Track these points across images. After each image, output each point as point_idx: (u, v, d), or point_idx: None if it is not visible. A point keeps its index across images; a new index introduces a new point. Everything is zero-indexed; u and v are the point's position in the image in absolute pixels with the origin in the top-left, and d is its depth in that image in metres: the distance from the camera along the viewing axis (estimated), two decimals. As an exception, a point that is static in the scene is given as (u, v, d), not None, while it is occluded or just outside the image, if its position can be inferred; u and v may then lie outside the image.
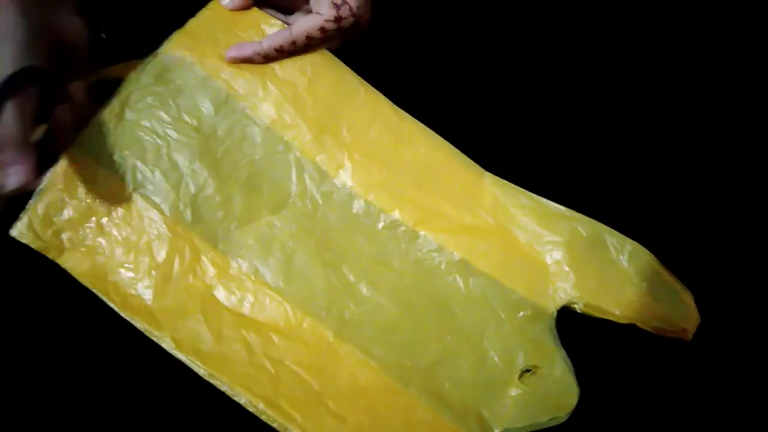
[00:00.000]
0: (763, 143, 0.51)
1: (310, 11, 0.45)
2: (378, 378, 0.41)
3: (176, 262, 0.42)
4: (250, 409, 0.39)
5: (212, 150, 0.44)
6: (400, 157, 0.44)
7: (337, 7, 0.43)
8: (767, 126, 0.52)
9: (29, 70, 0.37)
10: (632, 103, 0.52)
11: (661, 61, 0.54)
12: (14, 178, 0.37)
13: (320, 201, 0.44)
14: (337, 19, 0.43)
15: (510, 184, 0.44)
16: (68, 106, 0.42)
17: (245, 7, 0.45)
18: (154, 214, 0.42)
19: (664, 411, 0.44)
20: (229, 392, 0.39)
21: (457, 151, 0.44)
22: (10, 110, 0.36)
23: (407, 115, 0.45)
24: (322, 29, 0.43)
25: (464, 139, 0.45)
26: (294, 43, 0.44)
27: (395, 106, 0.45)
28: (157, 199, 0.42)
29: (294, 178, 0.44)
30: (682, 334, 0.42)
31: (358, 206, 0.43)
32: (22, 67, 0.37)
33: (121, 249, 0.42)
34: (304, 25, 0.43)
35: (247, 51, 0.44)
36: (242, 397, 0.39)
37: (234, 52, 0.44)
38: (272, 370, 0.40)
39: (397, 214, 0.43)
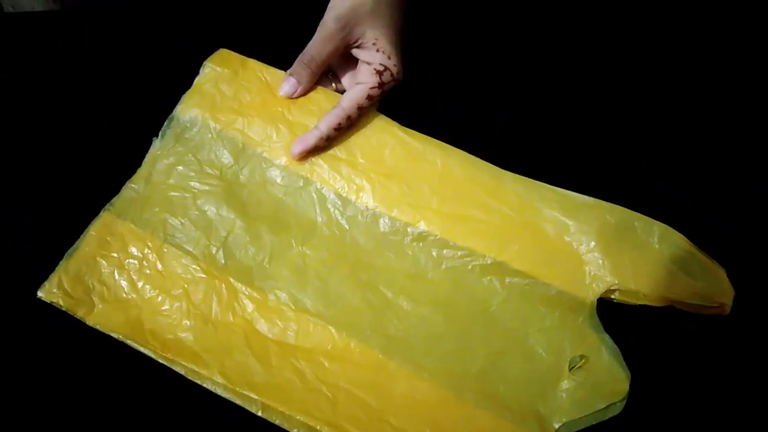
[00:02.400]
0: (762, 142, 0.52)
1: (334, 79, 0.48)
2: (433, 390, 0.40)
3: (214, 302, 0.42)
4: None
5: (236, 195, 0.45)
6: (417, 171, 0.45)
7: (379, 74, 0.45)
8: (765, 124, 0.53)
9: None
10: (630, 103, 0.54)
11: (659, 60, 0.55)
12: (287, 86, 0.46)
13: (346, 226, 0.44)
14: (381, 85, 0.45)
15: (530, 179, 0.44)
16: None
17: (303, 95, 0.47)
18: (187, 260, 0.43)
19: (711, 386, 0.44)
20: (285, 425, 0.38)
21: (472, 156, 0.45)
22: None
23: (416, 132, 0.46)
24: (369, 97, 0.45)
25: (471, 143, 0.46)
26: (349, 117, 0.45)
27: (403, 126, 0.46)
28: (188, 246, 0.43)
29: (318, 208, 0.45)
30: (719, 310, 0.42)
31: (383, 224, 0.44)
32: None
33: (156, 298, 0.42)
34: (353, 98, 0.45)
35: (311, 142, 0.45)
36: (302, 427, 0.38)
37: (300, 148, 0.45)
38: (329, 394, 0.39)
39: (423, 226, 0.44)
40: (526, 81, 0.54)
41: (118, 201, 0.45)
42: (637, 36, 0.56)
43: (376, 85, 0.45)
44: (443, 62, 0.49)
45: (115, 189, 0.46)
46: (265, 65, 0.48)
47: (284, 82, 0.46)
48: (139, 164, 0.46)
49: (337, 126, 0.45)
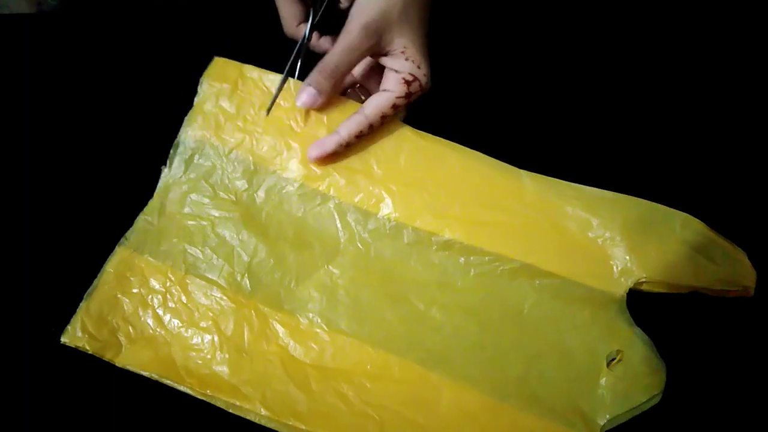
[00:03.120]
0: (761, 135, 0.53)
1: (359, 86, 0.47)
2: (476, 398, 0.40)
3: (246, 331, 0.41)
4: None
5: (255, 217, 0.44)
6: (435, 177, 0.45)
7: (408, 83, 0.43)
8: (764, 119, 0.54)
9: None
10: (642, 95, 0.53)
11: (672, 50, 0.55)
12: (307, 97, 0.44)
13: (370, 240, 0.44)
14: (408, 95, 0.44)
15: (548, 177, 0.44)
16: None
17: (323, 106, 0.45)
18: (212, 290, 0.42)
19: (745, 369, 0.45)
20: None
21: (488, 157, 0.45)
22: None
23: (430, 135, 0.45)
24: (395, 106, 0.44)
25: (485, 143, 0.45)
26: (371, 126, 0.44)
27: (417, 130, 0.45)
28: (212, 276, 0.42)
29: (339, 224, 0.44)
30: (744, 292, 0.43)
31: (407, 236, 0.44)
32: None
33: (185, 332, 0.41)
34: (377, 106, 0.43)
35: (329, 147, 0.44)
36: None
37: (317, 152, 0.44)
38: (375, 416, 0.39)
39: (447, 234, 0.44)
40: (536, 76, 0.54)
41: (133, 234, 0.43)
42: (653, 30, 0.56)
43: (404, 95, 0.43)
44: (450, 60, 0.48)
45: (124, 221, 0.44)
46: (265, 71, 0.46)
47: (302, 92, 0.44)
48: (148, 193, 0.45)
49: (359, 133, 0.44)
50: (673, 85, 0.54)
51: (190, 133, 0.45)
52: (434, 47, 0.45)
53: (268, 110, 0.45)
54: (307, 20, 0.47)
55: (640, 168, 0.50)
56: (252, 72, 0.46)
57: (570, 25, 0.56)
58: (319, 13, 0.46)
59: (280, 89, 0.45)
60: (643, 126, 0.52)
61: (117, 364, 0.40)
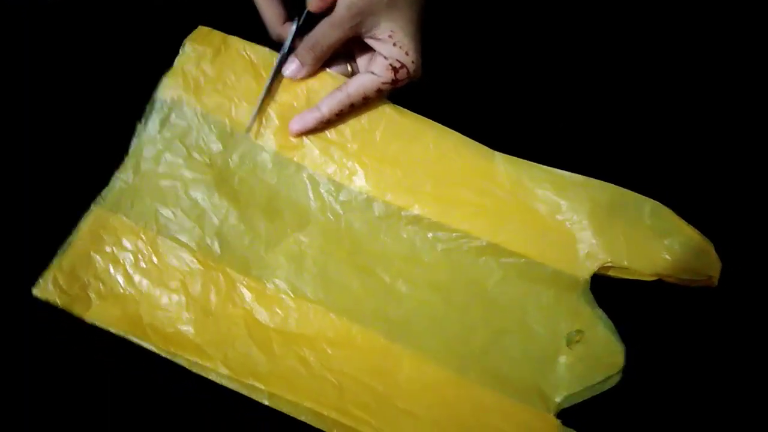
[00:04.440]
0: (751, 119, 0.53)
1: (348, 57, 0.46)
2: (437, 371, 0.41)
3: (213, 293, 0.42)
4: (318, 424, 0.39)
5: (228, 182, 0.44)
6: (410, 154, 0.45)
7: (395, 70, 0.43)
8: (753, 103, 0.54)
9: None
10: (623, 83, 0.54)
11: (649, 41, 0.56)
12: (294, 67, 0.44)
13: (341, 211, 0.44)
14: (394, 82, 0.44)
15: (521, 159, 0.45)
16: None
17: (312, 75, 0.46)
18: (183, 252, 0.42)
19: (703, 357, 0.46)
20: (293, 412, 0.39)
21: (464, 136, 0.45)
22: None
23: (408, 111, 0.46)
24: (379, 90, 0.44)
25: (462, 121, 0.46)
26: (352, 105, 0.44)
27: (395, 105, 0.46)
28: (183, 238, 0.43)
29: (311, 194, 0.45)
30: (708, 282, 0.44)
31: (378, 208, 0.44)
32: None
33: (154, 292, 0.42)
34: (360, 86, 0.43)
35: (310, 122, 0.44)
36: (309, 414, 0.39)
37: (298, 126, 0.44)
38: (334, 381, 0.40)
39: (417, 209, 0.44)
40: (522, 61, 0.54)
41: (108, 193, 0.44)
42: (637, 16, 0.56)
43: (390, 81, 0.43)
44: (438, 41, 0.48)
45: (100, 178, 0.44)
46: (249, 42, 0.46)
47: (290, 62, 0.45)
48: (123, 151, 0.45)
49: (339, 112, 0.44)
50: (656, 72, 0.54)
51: (168, 91, 0.45)
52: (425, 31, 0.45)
53: (255, 115, 0.45)
54: (291, 19, 0.46)
55: (618, 153, 0.51)
56: (236, 42, 0.46)
57: (557, 14, 0.56)
58: (305, 13, 0.46)
59: (265, 95, 0.45)
60: (623, 112, 0.53)
61: (86, 320, 0.41)
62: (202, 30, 0.47)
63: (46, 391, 0.41)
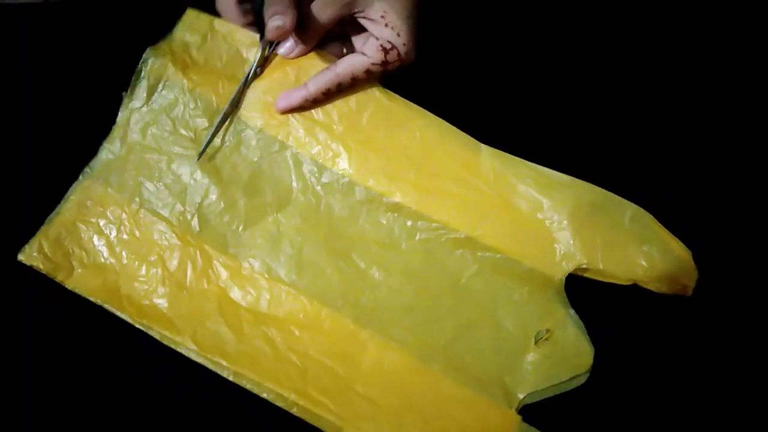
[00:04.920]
0: (741, 129, 0.52)
1: (343, 37, 0.45)
2: (401, 359, 0.42)
3: (189, 269, 0.43)
4: (279, 403, 0.40)
5: (211, 158, 0.44)
6: (395, 140, 0.44)
7: (385, 51, 0.42)
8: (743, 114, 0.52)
9: None
10: (619, 85, 0.53)
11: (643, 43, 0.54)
12: (278, 21, 0.41)
13: (322, 193, 0.44)
14: (384, 63, 0.43)
15: (507, 154, 0.44)
16: None
17: (305, 54, 0.45)
18: (163, 226, 0.43)
19: (673, 364, 0.46)
20: (255, 390, 0.40)
21: (452, 126, 0.44)
22: None
23: (397, 96, 0.45)
24: (368, 71, 0.43)
25: (457, 113, 0.45)
26: (340, 84, 0.43)
27: (385, 88, 0.45)
28: (163, 212, 0.43)
29: (293, 174, 0.45)
30: (683, 291, 0.43)
31: (359, 193, 0.44)
32: None
33: (133, 264, 0.43)
34: (350, 66, 0.43)
35: (296, 100, 0.44)
36: (271, 393, 0.40)
37: (284, 103, 0.44)
38: (298, 363, 0.41)
39: (398, 197, 0.44)
40: (518, 53, 0.52)
41: (96, 164, 0.44)
42: (631, 14, 0.54)
43: (379, 62, 0.43)
44: (432, 37, 0.47)
45: (90, 147, 0.45)
46: (236, 27, 0.45)
47: (283, 41, 0.44)
48: (111, 120, 0.45)
49: (326, 91, 0.43)
50: (652, 75, 0.53)
51: (155, 61, 0.45)
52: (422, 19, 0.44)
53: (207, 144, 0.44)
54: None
55: (609, 154, 0.50)
56: (222, 26, 0.46)
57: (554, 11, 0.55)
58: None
59: (219, 126, 0.44)
60: (618, 113, 0.52)
61: (67, 287, 0.42)
62: (190, 14, 0.46)
63: (47, 391, 0.43)
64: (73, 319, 0.43)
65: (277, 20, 0.41)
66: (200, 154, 0.44)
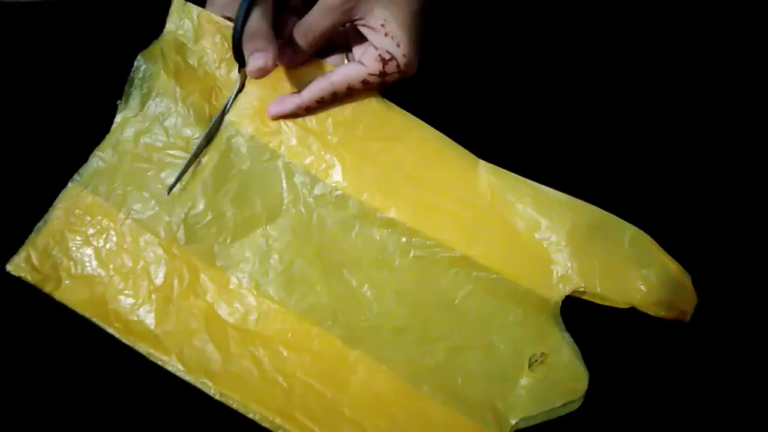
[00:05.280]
0: (747, 151, 0.50)
1: (347, 48, 0.43)
2: (390, 381, 0.41)
3: (175, 283, 0.41)
4: (265, 424, 0.39)
5: (200, 167, 0.43)
6: (391, 153, 0.43)
7: (384, 61, 0.41)
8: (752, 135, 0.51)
9: None
10: (622, 101, 0.51)
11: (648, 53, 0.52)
12: (259, 60, 0.38)
13: (314, 205, 0.43)
14: (382, 74, 0.41)
15: (506, 171, 0.42)
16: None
17: (303, 63, 0.43)
18: (149, 238, 0.42)
19: (669, 393, 0.45)
20: (242, 410, 0.39)
21: (450, 140, 0.43)
22: (257, 10, 0.39)
23: (396, 107, 0.43)
24: (365, 81, 0.41)
25: (455, 128, 0.43)
26: (335, 93, 0.42)
27: (383, 98, 0.43)
28: (150, 223, 0.42)
29: (285, 184, 0.43)
30: (681, 316, 0.42)
31: (353, 207, 0.43)
32: None
33: (120, 276, 0.42)
34: (346, 75, 0.41)
35: (288, 107, 0.42)
36: (257, 414, 0.39)
37: (275, 109, 0.42)
38: (285, 384, 0.40)
39: (393, 213, 0.42)
40: (522, 66, 0.51)
41: (86, 171, 0.43)
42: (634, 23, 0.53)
43: (377, 73, 0.41)
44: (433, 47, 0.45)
45: (82, 154, 0.44)
46: (226, 23, 0.43)
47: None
48: (105, 129, 0.44)
49: (320, 99, 0.42)
50: (652, 74, 0.51)
51: (147, 68, 0.44)
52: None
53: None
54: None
55: (609, 154, 0.49)
56: (212, 23, 0.44)
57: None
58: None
59: (188, 166, 0.43)
60: (618, 112, 0.50)
61: (56, 298, 0.41)
62: (177, 6, 0.44)
63: (47, 391, 0.42)
64: (73, 319, 0.41)
65: (258, 59, 0.39)
66: (170, 189, 0.42)
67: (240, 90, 0.43)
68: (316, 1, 0.41)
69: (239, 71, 0.42)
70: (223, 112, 0.43)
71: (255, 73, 0.39)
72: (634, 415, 0.44)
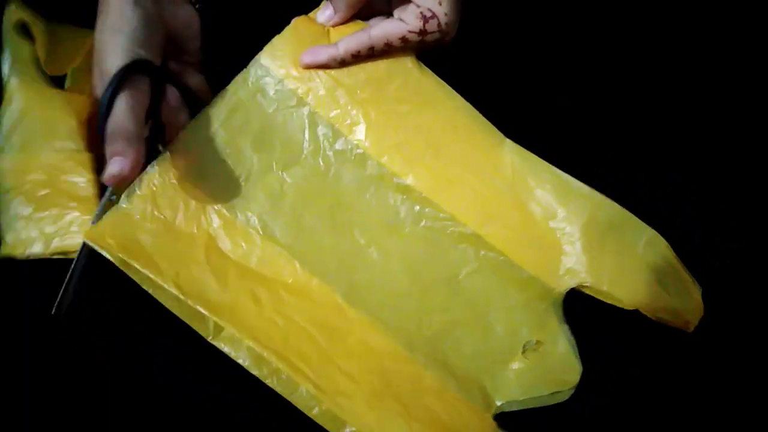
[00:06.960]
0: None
1: (389, 14, 0.43)
2: (387, 342, 0.40)
3: (180, 211, 0.40)
4: (254, 371, 0.37)
5: (226, 101, 0.42)
6: (418, 118, 0.42)
7: (425, 19, 0.40)
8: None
9: (141, 63, 0.36)
10: (629, 62, 0.51)
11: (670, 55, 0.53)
12: (116, 167, 0.35)
13: (333, 160, 0.42)
14: (422, 32, 0.41)
15: (531, 154, 0.42)
16: (180, 101, 0.41)
17: (344, 22, 0.43)
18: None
19: (663, 400, 0.45)
20: (233, 349, 0.37)
21: (479, 114, 0.42)
22: (122, 102, 0.35)
23: (430, 72, 0.43)
24: (404, 39, 0.41)
25: (487, 104, 0.43)
26: (372, 48, 0.41)
27: (419, 61, 0.43)
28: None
29: (307, 134, 0.42)
30: (684, 326, 0.42)
31: (371, 168, 0.42)
32: (134, 59, 0.36)
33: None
34: (385, 30, 0.41)
35: (322, 56, 0.41)
36: (250, 352, 0.37)
37: (309, 58, 0.41)
38: (282, 325, 0.38)
39: (411, 180, 0.42)
40: (520, 34, 0.51)
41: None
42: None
43: (417, 30, 0.40)
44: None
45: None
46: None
47: (324, 8, 0.42)
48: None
49: (356, 53, 0.41)
50: (658, 59, 0.52)
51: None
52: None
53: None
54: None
55: (614, 138, 0.49)
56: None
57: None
58: None
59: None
60: (624, 96, 0.51)
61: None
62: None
63: (47, 391, 0.41)
64: (73, 319, 0.40)
65: (115, 164, 0.35)
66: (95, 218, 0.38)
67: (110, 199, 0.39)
68: None
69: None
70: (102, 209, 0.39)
71: (109, 181, 0.35)
72: (633, 415, 0.44)
